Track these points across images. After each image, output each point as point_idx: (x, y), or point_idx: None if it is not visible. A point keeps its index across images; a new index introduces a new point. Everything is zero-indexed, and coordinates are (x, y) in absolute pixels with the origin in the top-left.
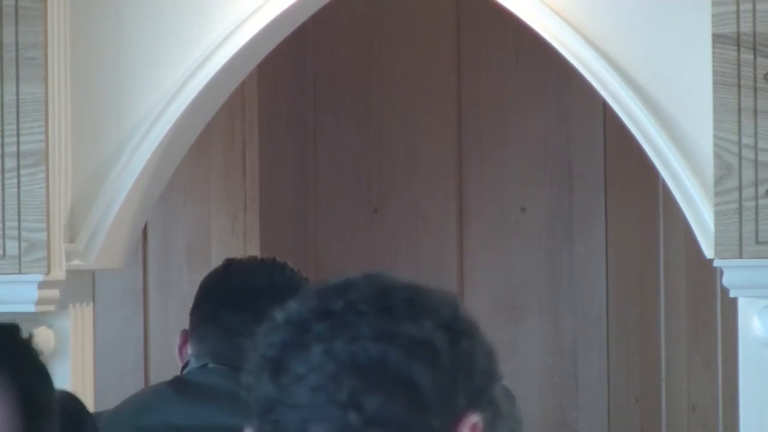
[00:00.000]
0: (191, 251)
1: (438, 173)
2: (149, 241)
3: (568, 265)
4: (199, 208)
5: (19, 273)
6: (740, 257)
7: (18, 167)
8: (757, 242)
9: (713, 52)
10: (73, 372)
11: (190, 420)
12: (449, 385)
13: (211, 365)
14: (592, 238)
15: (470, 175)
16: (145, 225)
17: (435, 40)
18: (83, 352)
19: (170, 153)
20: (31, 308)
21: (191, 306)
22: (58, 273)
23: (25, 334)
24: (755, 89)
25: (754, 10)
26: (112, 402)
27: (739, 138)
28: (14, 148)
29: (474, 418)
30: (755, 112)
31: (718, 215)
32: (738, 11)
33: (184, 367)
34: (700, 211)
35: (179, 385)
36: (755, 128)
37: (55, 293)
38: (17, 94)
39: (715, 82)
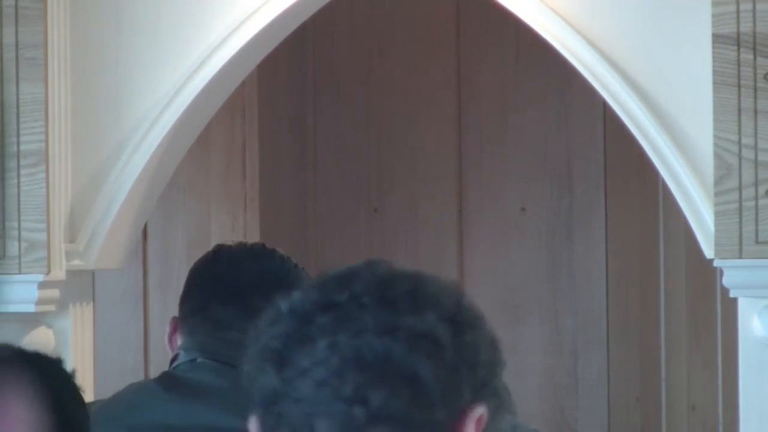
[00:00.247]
0: (191, 251)
1: (438, 173)
2: (149, 240)
3: (568, 265)
4: (199, 208)
5: (19, 273)
6: (740, 257)
7: (18, 167)
8: (757, 242)
9: (713, 52)
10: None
11: (181, 419)
12: (453, 378)
13: (200, 360)
14: (592, 238)
15: (470, 175)
16: (145, 225)
17: (435, 40)
18: (83, 352)
19: (170, 153)
20: (31, 308)
21: (181, 293)
22: (58, 273)
23: (68, 369)
24: (755, 89)
25: (754, 10)
26: None
27: (739, 138)
28: (14, 148)
29: (479, 411)
30: (755, 112)
31: (718, 215)
32: (738, 11)
33: (173, 360)
34: (700, 211)
35: (169, 382)
36: (755, 128)
37: (55, 293)
38: (17, 94)
39: (715, 82)
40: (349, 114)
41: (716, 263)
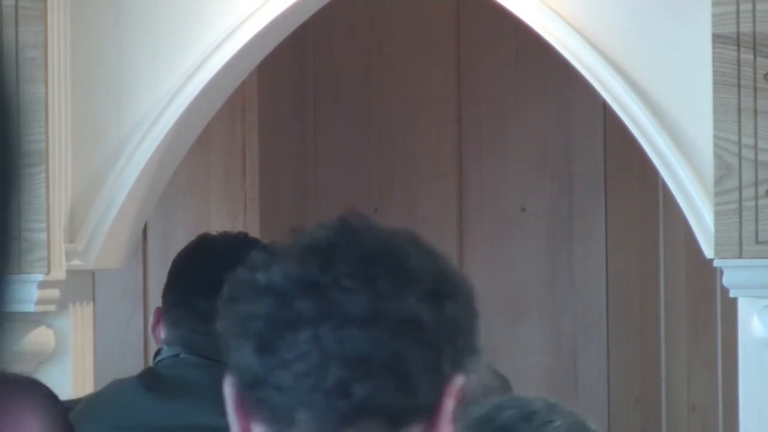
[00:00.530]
0: None
1: (438, 173)
2: (149, 241)
3: (568, 265)
4: (199, 208)
5: (19, 273)
6: (740, 257)
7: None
8: (757, 242)
9: (713, 52)
10: (73, 372)
11: (166, 419)
12: (435, 358)
13: (183, 355)
14: (592, 238)
15: (470, 175)
16: (145, 225)
17: (435, 40)
18: (83, 352)
19: (170, 153)
20: (31, 308)
21: (164, 284)
22: (58, 273)
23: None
24: (755, 89)
25: (754, 10)
26: None
27: (739, 138)
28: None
29: (459, 382)
30: (755, 112)
31: (718, 215)
32: (738, 11)
33: (156, 354)
34: (700, 211)
35: (152, 380)
36: (755, 128)
37: (55, 293)
38: (17, 94)
39: (715, 82)
40: (349, 114)
41: (716, 263)
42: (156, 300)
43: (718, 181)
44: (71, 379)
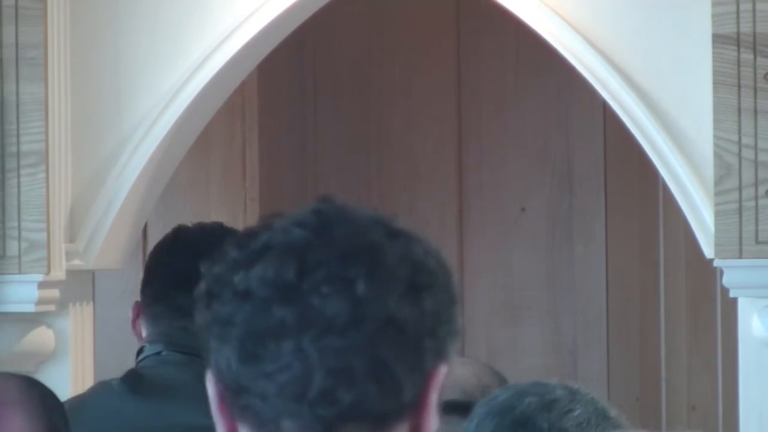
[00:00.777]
0: None
1: (438, 173)
2: (149, 241)
3: (568, 265)
4: (198, 208)
5: (19, 273)
6: (740, 257)
7: (18, 167)
8: (757, 242)
9: (713, 52)
10: (73, 372)
11: (149, 421)
12: (417, 354)
13: (165, 353)
14: (592, 238)
15: (470, 176)
16: (145, 225)
17: (435, 40)
18: (83, 352)
19: (170, 153)
20: (31, 308)
21: (142, 278)
22: (58, 273)
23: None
24: (755, 89)
25: (754, 10)
26: None
27: (739, 138)
28: (14, 148)
29: (441, 373)
30: (755, 112)
31: (718, 215)
32: (738, 11)
33: (139, 353)
34: (700, 211)
35: (135, 381)
36: (755, 128)
37: (55, 293)
38: (17, 94)
39: (715, 82)
40: (349, 114)
41: (716, 263)
42: None
43: (718, 181)
44: (71, 379)
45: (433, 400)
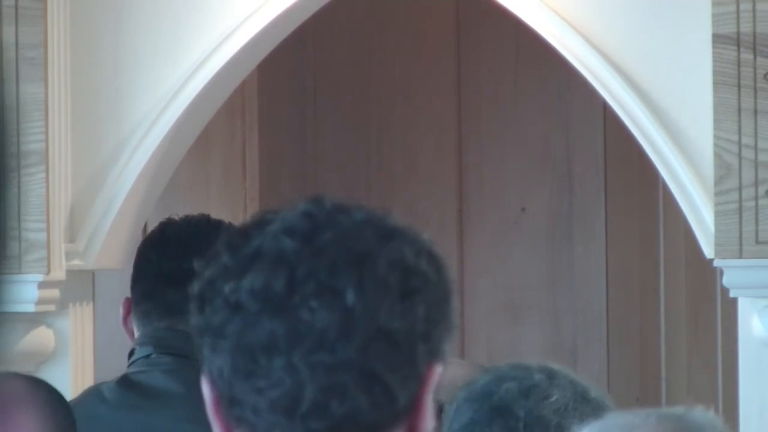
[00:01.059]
0: None
1: (438, 173)
2: None
3: (568, 266)
4: (198, 208)
5: (19, 273)
6: (740, 257)
7: (18, 167)
8: (757, 242)
9: (713, 52)
10: (73, 372)
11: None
12: (410, 360)
13: (154, 356)
14: (592, 239)
15: (470, 176)
16: (145, 225)
17: (435, 40)
18: (83, 352)
19: (170, 153)
20: (31, 308)
21: (132, 274)
22: (58, 273)
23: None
24: (755, 89)
25: (754, 10)
26: None
27: (739, 138)
28: (14, 148)
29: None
30: (755, 112)
31: (718, 215)
32: (738, 11)
33: (130, 354)
34: (700, 211)
35: (125, 390)
36: (755, 128)
37: (55, 293)
38: (17, 94)
39: (715, 82)
40: (349, 114)
41: (716, 263)
42: None
43: (718, 181)
44: (71, 379)
45: (429, 399)
